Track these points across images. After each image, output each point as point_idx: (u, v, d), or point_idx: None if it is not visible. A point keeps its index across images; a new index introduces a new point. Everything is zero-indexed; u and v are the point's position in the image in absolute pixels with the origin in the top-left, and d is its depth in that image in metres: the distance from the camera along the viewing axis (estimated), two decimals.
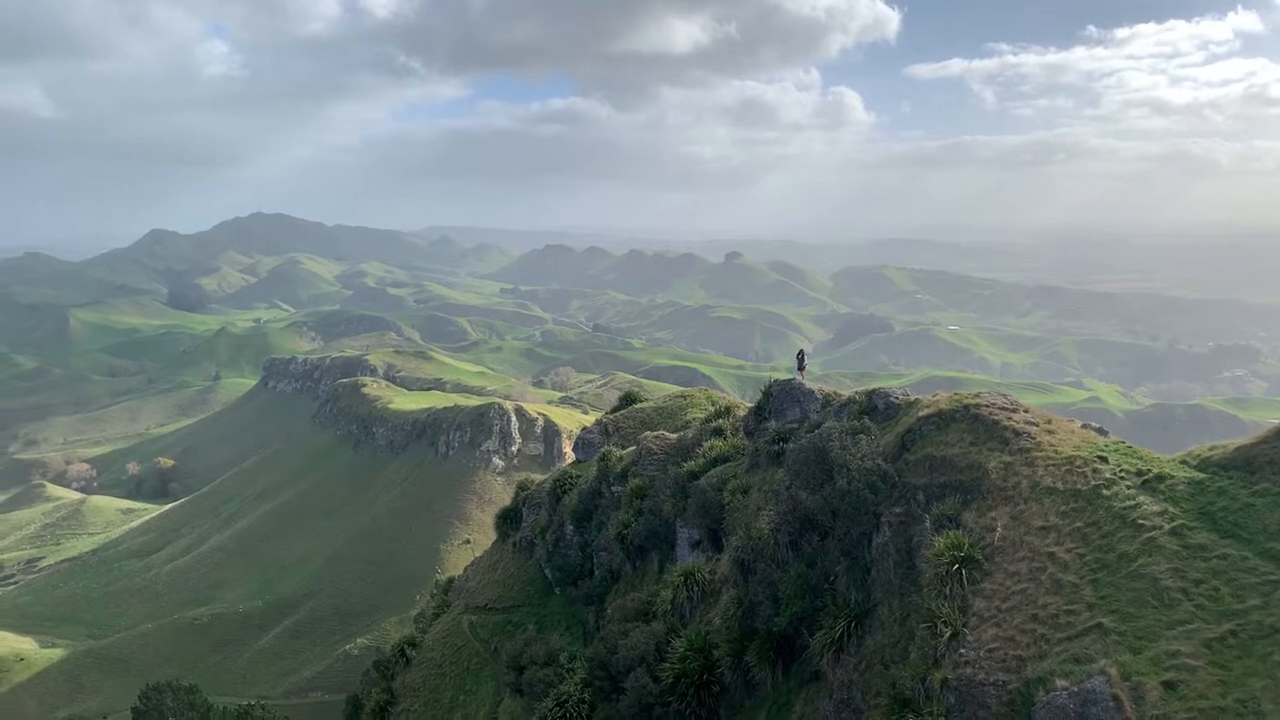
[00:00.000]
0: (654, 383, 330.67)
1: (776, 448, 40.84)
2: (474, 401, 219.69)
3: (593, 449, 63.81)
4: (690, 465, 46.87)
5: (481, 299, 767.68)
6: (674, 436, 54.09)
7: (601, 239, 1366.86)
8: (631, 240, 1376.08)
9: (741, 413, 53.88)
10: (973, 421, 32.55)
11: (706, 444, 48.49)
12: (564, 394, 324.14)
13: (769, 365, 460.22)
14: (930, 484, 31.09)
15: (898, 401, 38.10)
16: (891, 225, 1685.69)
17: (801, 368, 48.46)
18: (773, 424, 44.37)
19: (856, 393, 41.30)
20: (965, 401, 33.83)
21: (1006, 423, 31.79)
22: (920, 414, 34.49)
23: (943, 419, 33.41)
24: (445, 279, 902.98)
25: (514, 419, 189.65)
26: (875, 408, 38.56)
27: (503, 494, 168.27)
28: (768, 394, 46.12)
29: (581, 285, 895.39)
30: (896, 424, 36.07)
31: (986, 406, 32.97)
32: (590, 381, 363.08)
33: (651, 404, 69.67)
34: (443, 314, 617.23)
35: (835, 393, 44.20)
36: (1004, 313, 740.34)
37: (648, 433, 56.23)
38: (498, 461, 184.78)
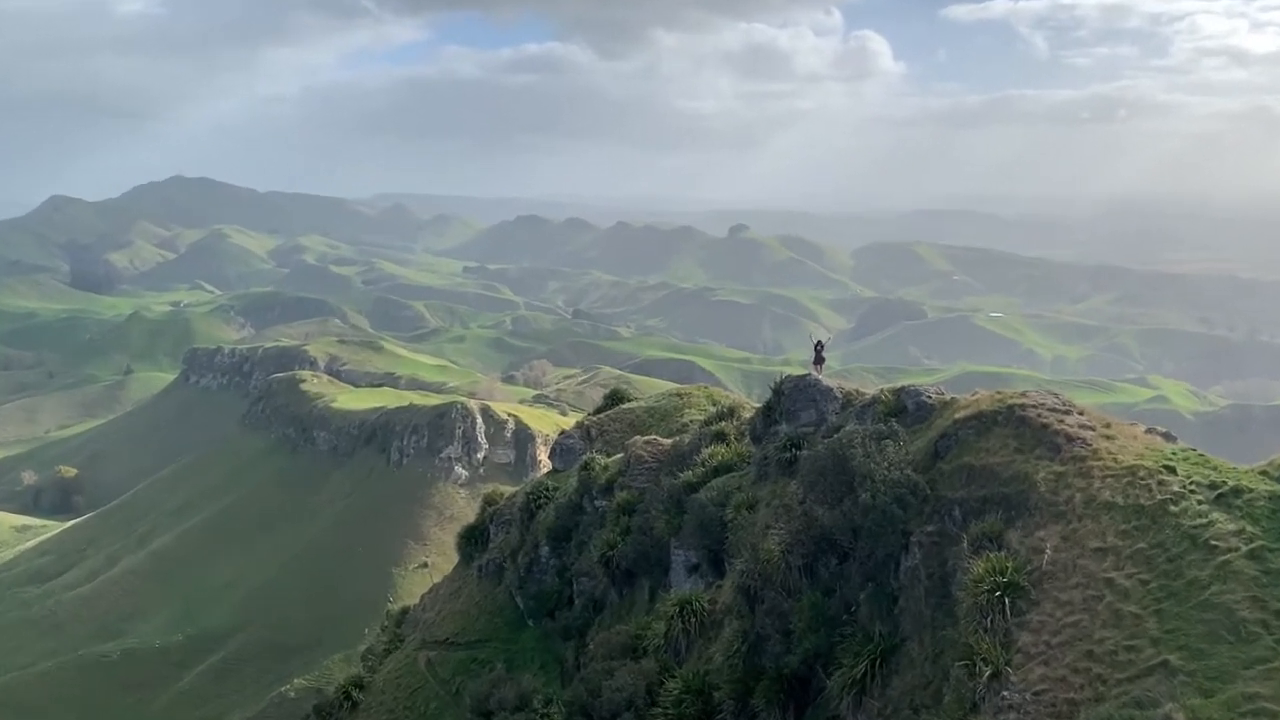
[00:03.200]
0: (645, 379, 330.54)
1: (788, 455, 40.90)
2: (432, 400, 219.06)
3: (572, 456, 63.77)
4: (687, 476, 46.91)
5: (442, 279, 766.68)
6: (668, 442, 54.12)
7: (584, 209, 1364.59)
8: (619, 211, 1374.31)
9: (748, 414, 53.91)
10: (1018, 425, 32.66)
11: (706, 451, 48.55)
12: (539, 392, 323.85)
13: (780, 358, 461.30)
14: (968, 498, 31.17)
15: (930, 401, 38.17)
16: (924, 194, 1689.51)
17: (819, 361, 48.55)
18: (784, 427, 44.43)
19: (882, 391, 41.36)
20: (1009, 401, 33.94)
21: (1057, 426, 31.91)
22: (957, 416, 34.58)
23: (983, 422, 33.50)
24: (399, 256, 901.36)
25: (480, 421, 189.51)
26: (904, 409, 38.63)
27: (466, 509, 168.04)
28: (778, 392, 46.17)
29: (560, 263, 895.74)
30: (929, 428, 36.13)
31: (1034, 408, 33.09)
32: (570, 377, 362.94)
33: (642, 404, 69.69)
34: (396, 297, 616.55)
35: (857, 391, 44.30)
36: (1055, 297, 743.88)
37: (637, 437, 56.23)
38: (460, 471, 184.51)
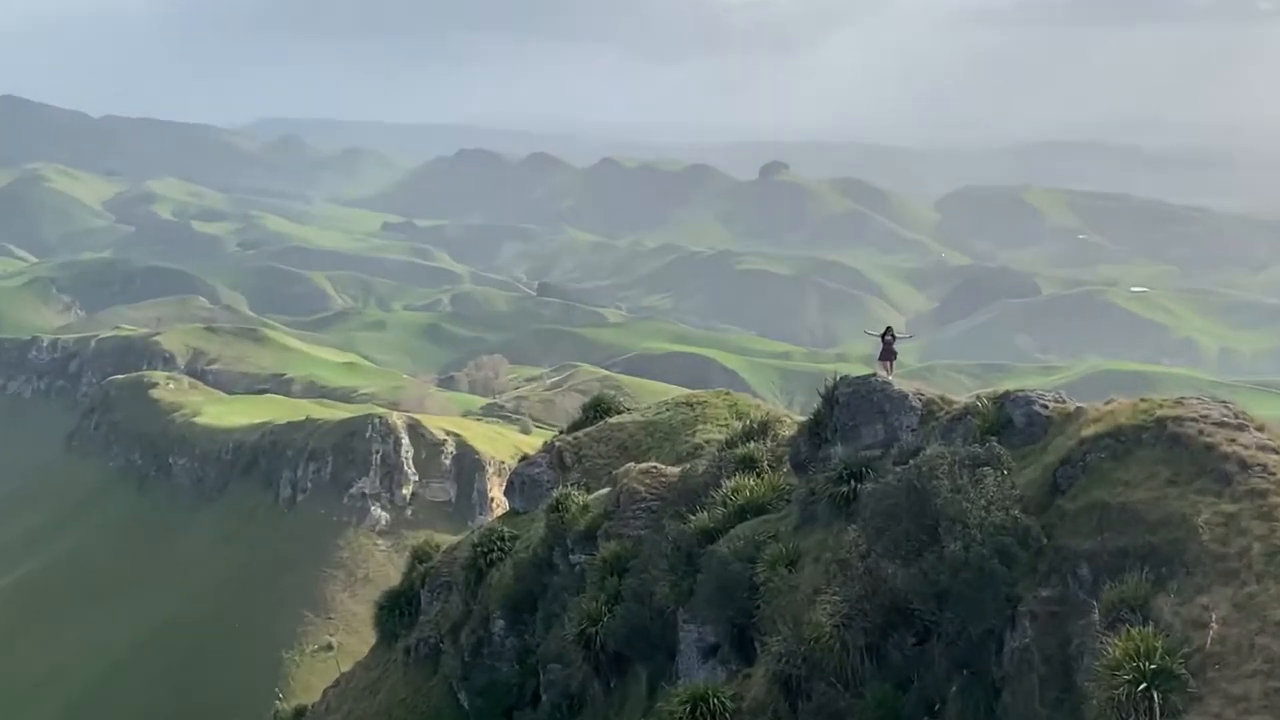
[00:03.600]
0: (641, 381, 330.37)
1: (845, 490, 40.91)
2: (339, 413, 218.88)
3: (538, 492, 63.71)
4: (701, 520, 46.87)
5: (352, 241, 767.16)
6: (674, 471, 54.09)
7: (554, 140, 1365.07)
8: (605, 143, 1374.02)
9: (788, 431, 53.81)
10: (1171, 446, 32.67)
11: (728, 484, 48.51)
12: (490, 400, 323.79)
13: (833, 351, 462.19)
14: (1100, 550, 31.19)
15: (1046, 413, 38.17)
16: (1036, 120, 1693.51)
17: (888, 356, 48.56)
18: (839, 450, 44.42)
19: (978, 398, 41.34)
20: (1159, 413, 33.96)
21: (1227, 448, 31.88)
22: (1084, 434, 34.59)
23: (1122, 442, 33.52)
24: (291, 207, 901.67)
25: (406, 442, 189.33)
26: (1009, 423, 38.63)
27: (387, 567, 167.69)
28: (831, 400, 46.14)
29: (521, 217, 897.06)
30: (1044, 450, 36.13)
31: (1194, 422, 33.09)
32: (535, 380, 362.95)
33: (637, 416, 69.63)
34: (287, 266, 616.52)
35: (943, 398, 44.30)
36: (1224, 264, 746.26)
37: (631, 465, 56.18)
38: (379, 513, 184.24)
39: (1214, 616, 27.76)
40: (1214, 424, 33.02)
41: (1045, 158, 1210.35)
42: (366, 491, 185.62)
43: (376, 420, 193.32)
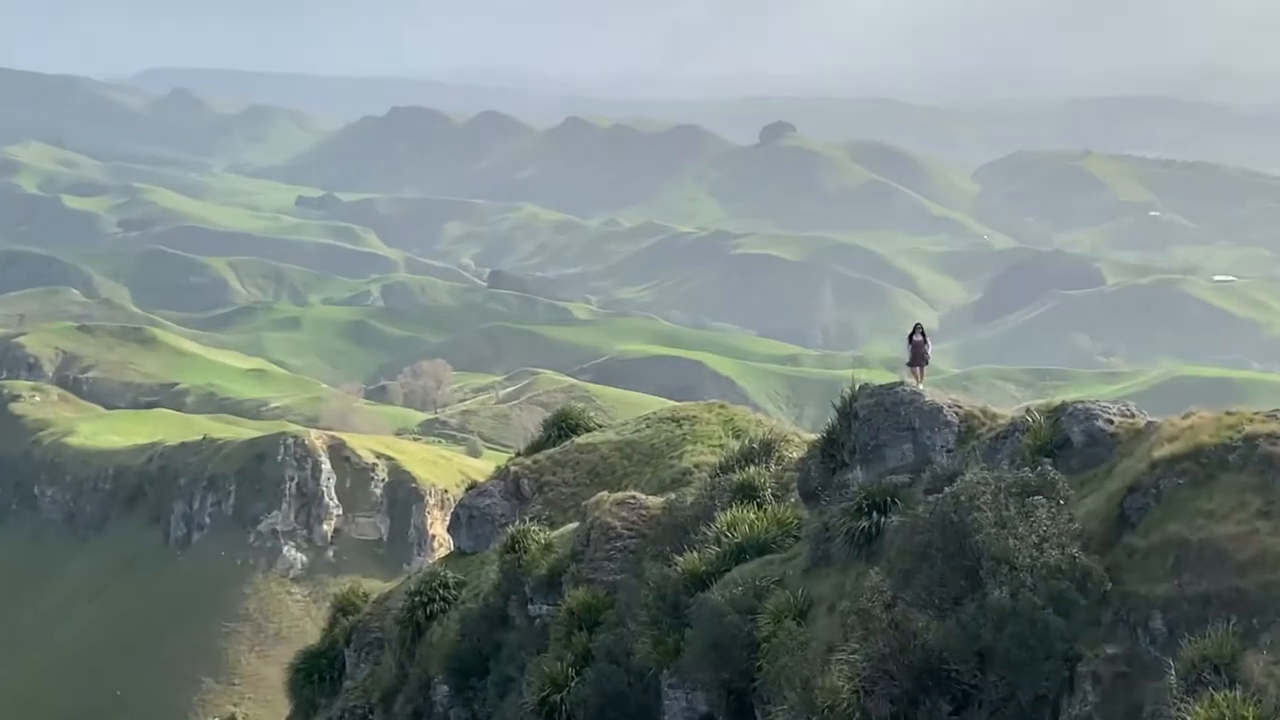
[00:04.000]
0: (617, 391, 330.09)
1: (866, 525, 40.93)
2: (244, 432, 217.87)
3: (490, 528, 63.55)
4: (691, 562, 46.80)
5: (260, 219, 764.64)
6: (657, 502, 54.04)
7: (507, 96, 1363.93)
8: (571, 98, 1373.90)
9: (795, 453, 53.76)
10: (1264, 469, 32.74)
11: (723, 517, 48.47)
12: (431, 415, 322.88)
13: (851, 354, 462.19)
14: (1177, 597, 31.24)
15: (1111, 430, 38.22)
16: (1097, 72, 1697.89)
17: (918, 361, 48.47)
18: (859, 475, 44.43)
19: (1028, 411, 41.36)
20: (1249, 429, 34.01)
21: None
22: (1157, 455, 34.63)
23: (1203, 465, 33.55)
24: (185, 179, 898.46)
25: (327, 467, 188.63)
26: (1066, 442, 38.65)
27: (303, 621, 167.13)
28: (848, 414, 46.15)
29: (468, 190, 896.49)
30: (1109, 476, 36.19)
31: None
32: (486, 389, 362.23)
33: (612, 434, 69.54)
34: (180, 250, 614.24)
35: (985, 411, 44.35)
36: None
37: (603, 495, 56.10)
38: (294, 555, 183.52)
39: None
40: None
41: (1108, 118, 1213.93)
42: (278, 528, 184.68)
43: (290, 440, 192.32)
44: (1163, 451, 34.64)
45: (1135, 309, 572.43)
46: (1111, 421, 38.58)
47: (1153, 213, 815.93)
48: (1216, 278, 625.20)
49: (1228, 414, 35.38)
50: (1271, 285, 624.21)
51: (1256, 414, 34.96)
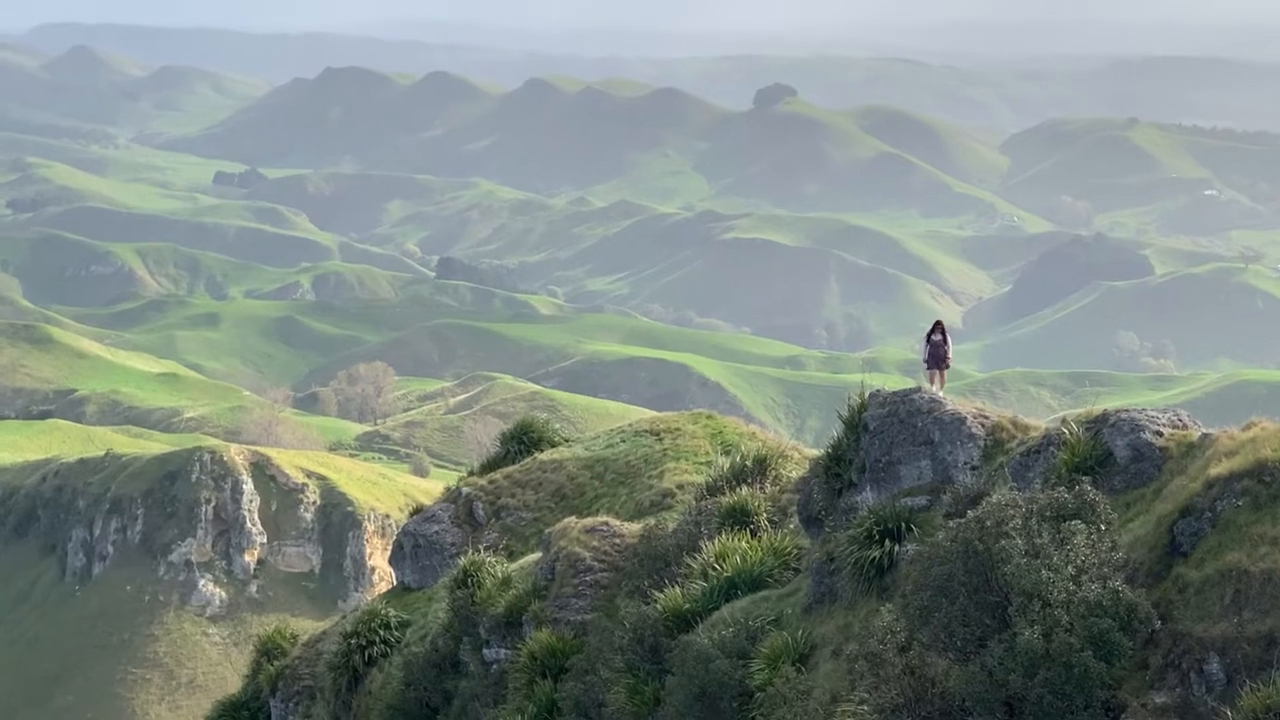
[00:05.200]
0: (586, 399, 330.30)
1: (878, 554, 40.98)
2: (154, 446, 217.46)
3: (439, 559, 63.59)
4: (672, 598, 46.85)
5: (172, 199, 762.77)
6: (633, 530, 54.08)
7: (461, 54, 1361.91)
8: (535, 57, 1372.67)
9: (795, 471, 53.83)
10: None
11: (711, 547, 48.54)
12: (371, 427, 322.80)
13: (860, 354, 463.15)
14: (1238, 636, 31.23)
15: (1161, 443, 38.28)
16: (1144, 26, 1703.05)
17: (937, 363, 48.52)
18: (868, 497, 44.49)
19: (1065, 422, 41.39)
20: None
21: None
22: (1212, 473, 34.65)
23: (1267, 483, 33.55)
24: (85, 151, 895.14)
25: (249, 488, 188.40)
26: (1109, 458, 38.69)
27: (222, 667, 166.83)
28: (857, 426, 46.20)
29: (412, 164, 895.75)
30: (1158, 497, 36.24)
31: None
32: (434, 397, 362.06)
33: (580, 450, 69.59)
34: (78, 235, 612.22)
35: (1015, 423, 44.37)
36: None
37: (571, 520, 56.14)
38: (211, 590, 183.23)
39: None
40: None
41: (1159, 81, 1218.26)
42: (193, 558, 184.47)
43: (206, 456, 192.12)
44: (1220, 468, 34.60)
45: (1189, 303, 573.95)
46: (1161, 434, 38.59)
47: (1209, 191, 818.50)
48: None
49: None
50: None
51: None
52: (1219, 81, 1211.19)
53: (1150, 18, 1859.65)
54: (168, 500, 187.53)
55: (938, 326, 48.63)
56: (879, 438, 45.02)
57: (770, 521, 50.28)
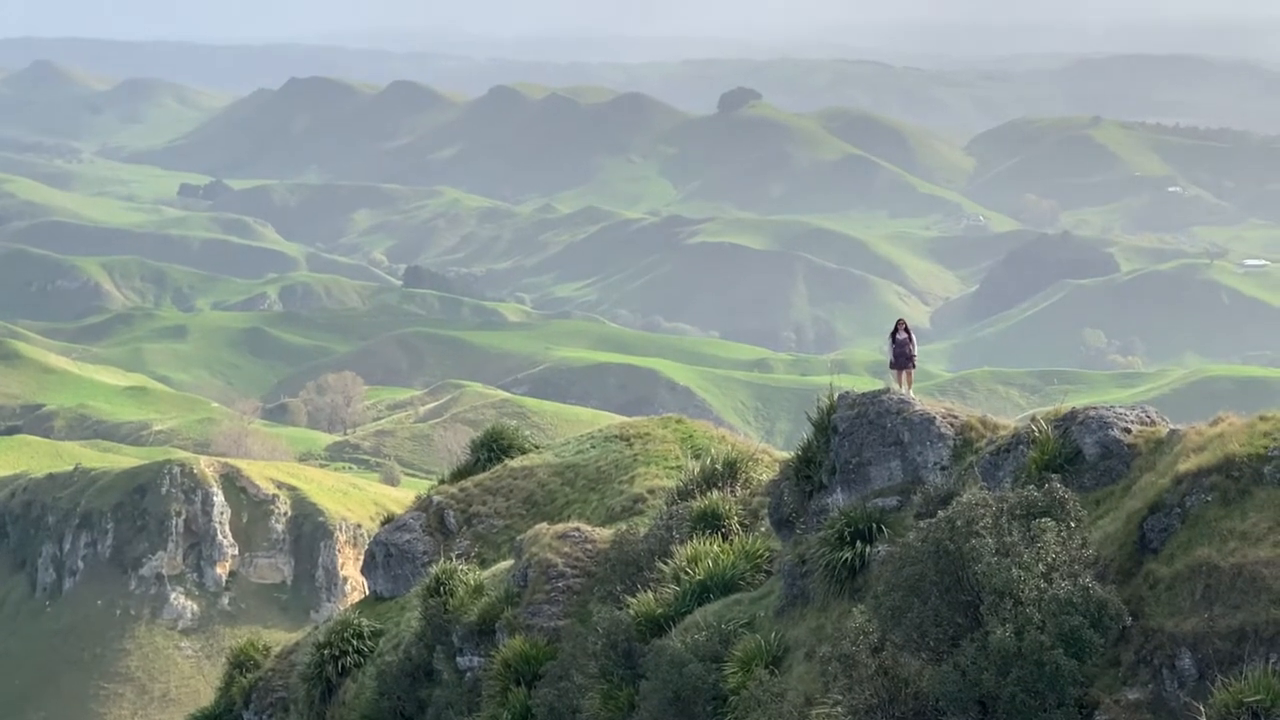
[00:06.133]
0: (556, 405, 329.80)
1: (849, 555, 40.98)
2: (123, 460, 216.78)
3: (411, 568, 63.47)
4: (645, 603, 46.82)
5: (138, 212, 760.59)
6: (605, 535, 54.05)
7: (425, 61, 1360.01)
8: (499, 64, 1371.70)
9: (766, 474, 53.83)
10: None
11: (683, 552, 48.52)
12: (341, 436, 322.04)
13: (828, 357, 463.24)
14: (1209, 631, 31.29)
15: (1130, 440, 38.37)
16: (1108, 24, 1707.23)
17: (901, 363, 48.50)
18: (839, 499, 44.50)
19: (1034, 420, 41.44)
20: None
21: None
22: (1181, 468, 34.71)
23: (1235, 478, 33.62)
24: (49, 165, 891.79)
25: (220, 500, 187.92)
26: (1078, 455, 38.76)
27: (195, 680, 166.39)
28: (826, 428, 46.21)
29: (378, 173, 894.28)
30: (1128, 494, 36.30)
31: None
32: (403, 405, 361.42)
33: (551, 457, 69.55)
34: (43, 249, 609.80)
35: (984, 422, 44.42)
36: None
37: (542, 527, 56.11)
38: (183, 603, 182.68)
39: None
40: None
41: (1121, 79, 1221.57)
42: (164, 572, 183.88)
43: (176, 469, 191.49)
44: (1188, 464, 34.69)
45: (1155, 300, 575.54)
46: (1129, 430, 38.69)
47: (1173, 188, 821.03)
48: (1248, 262, 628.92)
49: (1262, 419, 35.45)
50: None
51: None
52: (1182, 79, 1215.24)
53: (1113, 17, 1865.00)
54: (138, 514, 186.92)
55: (900, 325, 48.62)
56: (848, 439, 45.07)
57: (741, 525, 50.31)
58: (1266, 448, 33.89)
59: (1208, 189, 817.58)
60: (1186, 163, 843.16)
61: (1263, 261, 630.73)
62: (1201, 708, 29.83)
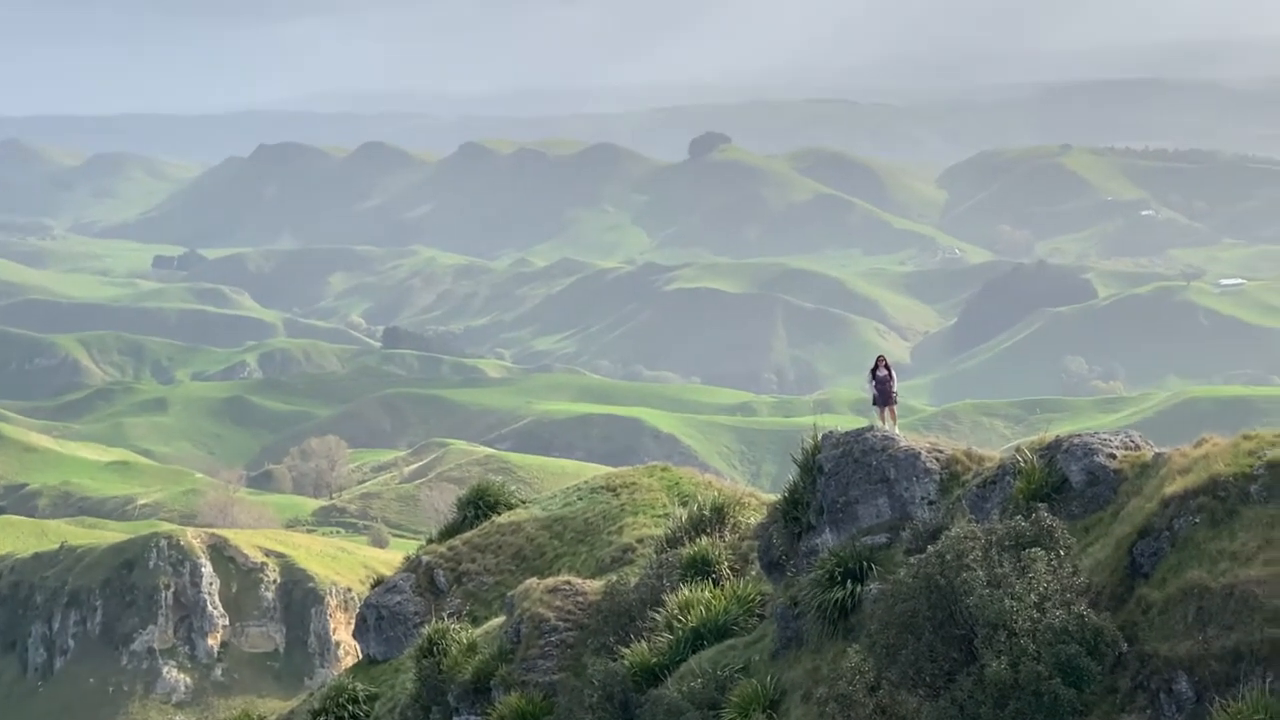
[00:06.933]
0: (540, 459, 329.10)
1: (841, 595, 40.94)
2: (109, 535, 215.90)
3: (403, 629, 63.32)
4: (640, 653, 46.74)
5: (112, 286, 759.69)
6: (596, 587, 53.93)
7: (394, 121, 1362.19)
8: (467, 119, 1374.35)
9: (754, 518, 53.80)
10: None
11: (674, 600, 48.45)
12: (327, 501, 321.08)
13: (810, 397, 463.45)
14: (1203, 654, 31.26)
15: (1115, 465, 38.40)
16: (1073, 52, 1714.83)
17: (885, 400, 48.48)
18: (828, 539, 44.48)
19: (1019, 450, 41.45)
20: (1271, 454, 34.13)
21: None
22: (1168, 492, 34.74)
23: (1222, 499, 33.63)
24: (22, 244, 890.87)
25: (208, 570, 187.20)
26: (1065, 483, 38.78)
27: None
28: (812, 469, 46.19)
29: (352, 235, 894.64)
30: (1116, 519, 36.33)
31: None
32: (388, 467, 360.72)
33: (538, 510, 69.47)
34: (19, 329, 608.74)
35: (970, 454, 44.43)
36: None
37: (533, 582, 55.97)
38: (176, 676, 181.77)
39: None
40: None
41: (1088, 106, 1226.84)
42: (155, 646, 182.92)
43: (163, 542, 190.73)
44: (1175, 487, 34.74)
45: (1133, 324, 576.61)
46: (1114, 456, 38.73)
47: (1145, 211, 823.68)
48: (1224, 282, 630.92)
49: (1245, 438, 35.52)
50: None
51: (1279, 436, 35.18)
52: (1148, 103, 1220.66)
53: (1077, 44, 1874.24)
54: (126, 589, 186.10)
55: (881, 362, 48.43)
56: (835, 479, 45.07)
57: (732, 569, 50.23)
58: (1251, 466, 33.97)
59: (1180, 211, 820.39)
60: (1158, 186, 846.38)
61: (1239, 281, 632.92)
62: None
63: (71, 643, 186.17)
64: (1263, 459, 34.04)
